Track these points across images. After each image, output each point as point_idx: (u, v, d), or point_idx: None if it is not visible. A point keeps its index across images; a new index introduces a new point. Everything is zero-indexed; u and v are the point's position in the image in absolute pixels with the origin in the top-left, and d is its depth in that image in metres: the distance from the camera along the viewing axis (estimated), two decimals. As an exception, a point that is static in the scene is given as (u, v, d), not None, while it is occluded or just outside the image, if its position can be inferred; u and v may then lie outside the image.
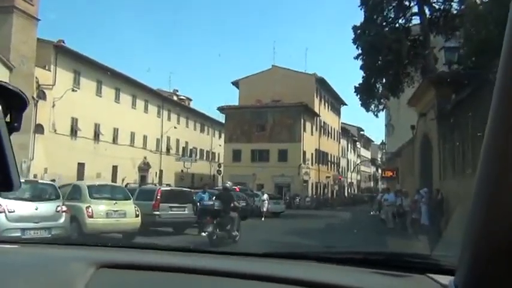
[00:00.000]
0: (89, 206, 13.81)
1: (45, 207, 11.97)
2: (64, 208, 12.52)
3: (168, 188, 19.79)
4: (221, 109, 52.26)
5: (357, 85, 30.28)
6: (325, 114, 60.92)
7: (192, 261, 1.71)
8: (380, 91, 31.07)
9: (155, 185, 25.46)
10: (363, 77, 29.86)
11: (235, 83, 55.97)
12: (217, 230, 13.59)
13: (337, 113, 69.12)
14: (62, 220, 12.27)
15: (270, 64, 57.28)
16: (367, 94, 30.43)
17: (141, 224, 15.06)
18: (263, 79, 53.19)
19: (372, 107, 30.95)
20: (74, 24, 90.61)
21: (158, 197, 17.53)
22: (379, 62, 28.77)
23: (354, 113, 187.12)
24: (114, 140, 44.46)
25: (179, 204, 18.05)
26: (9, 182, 0.99)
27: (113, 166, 43.06)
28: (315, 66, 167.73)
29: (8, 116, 1.04)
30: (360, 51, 29.31)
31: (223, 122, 54.36)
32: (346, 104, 69.99)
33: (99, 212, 13.98)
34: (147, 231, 15.46)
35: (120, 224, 14.29)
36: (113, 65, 69.94)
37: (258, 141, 50.43)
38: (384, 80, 30.33)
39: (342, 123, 71.63)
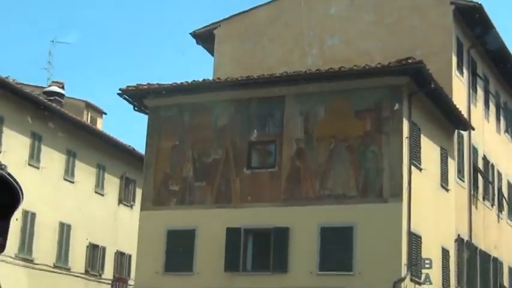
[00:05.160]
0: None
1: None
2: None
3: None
4: (129, 95, 15.53)
5: None
6: (489, 127, 20.96)
7: None
8: None
9: None
10: None
11: (203, 36, 19.20)
12: None
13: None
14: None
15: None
16: None
17: None
18: (282, 16, 18.17)
19: None
20: None
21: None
22: None
23: None
24: None
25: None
26: None
27: None
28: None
29: None
30: None
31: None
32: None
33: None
34: None
35: None
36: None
37: (249, 199, 14.76)
38: None
39: None
